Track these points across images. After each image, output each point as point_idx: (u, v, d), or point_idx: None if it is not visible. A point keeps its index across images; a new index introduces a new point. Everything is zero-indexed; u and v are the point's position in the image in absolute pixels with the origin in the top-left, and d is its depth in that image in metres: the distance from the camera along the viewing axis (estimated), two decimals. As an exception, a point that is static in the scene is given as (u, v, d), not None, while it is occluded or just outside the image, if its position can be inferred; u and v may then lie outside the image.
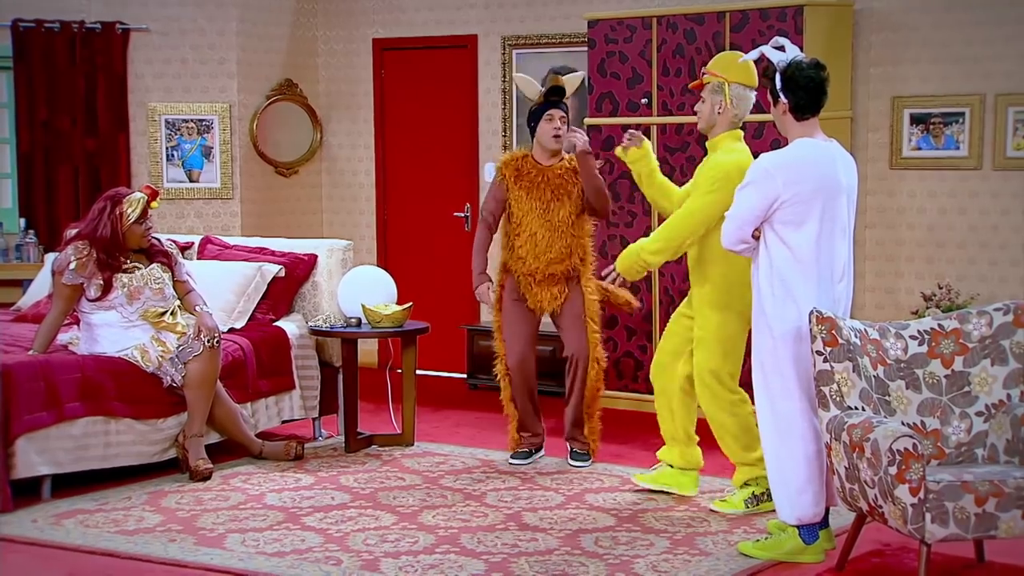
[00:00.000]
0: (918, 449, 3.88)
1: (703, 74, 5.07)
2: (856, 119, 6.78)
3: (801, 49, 6.15)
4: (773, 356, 4.39)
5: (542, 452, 5.91)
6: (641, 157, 5.28)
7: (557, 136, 5.62)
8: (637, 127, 6.79)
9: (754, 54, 4.66)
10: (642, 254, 5.00)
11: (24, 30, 7.58)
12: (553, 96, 5.66)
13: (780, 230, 4.33)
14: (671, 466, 5.25)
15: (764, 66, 4.48)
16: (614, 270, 5.10)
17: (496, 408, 6.95)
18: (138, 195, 5.52)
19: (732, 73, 4.96)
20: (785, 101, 4.36)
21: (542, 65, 7.50)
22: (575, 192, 5.65)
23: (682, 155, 6.65)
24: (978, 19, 6.47)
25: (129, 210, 5.47)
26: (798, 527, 4.42)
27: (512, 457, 5.83)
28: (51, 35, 7.60)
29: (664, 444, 5.30)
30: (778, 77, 4.35)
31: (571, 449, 5.79)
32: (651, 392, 6.82)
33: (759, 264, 4.43)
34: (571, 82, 5.74)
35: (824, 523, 4.49)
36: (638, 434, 6.37)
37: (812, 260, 4.32)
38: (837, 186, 4.36)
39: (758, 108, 6.31)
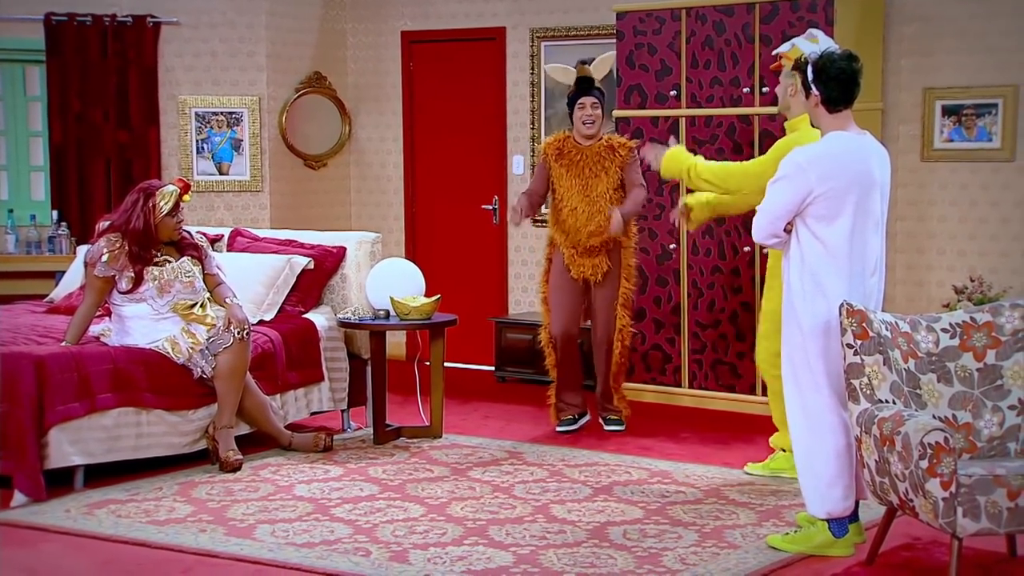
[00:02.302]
0: (949, 443, 3.85)
1: (779, 56, 5.25)
2: (887, 111, 6.73)
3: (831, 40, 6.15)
4: (803, 351, 4.37)
5: (587, 417, 6.30)
6: (701, 215, 5.49)
7: (588, 123, 6.04)
8: (666, 120, 6.77)
9: (786, 46, 4.64)
10: (694, 168, 5.23)
11: (56, 23, 7.64)
12: (582, 86, 6.09)
13: (812, 225, 4.31)
14: (784, 450, 5.35)
15: (797, 57, 4.45)
16: (656, 160, 5.32)
17: (524, 400, 6.96)
18: (171, 188, 5.55)
19: None
20: (817, 93, 4.32)
21: (571, 57, 7.48)
22: (612, 168, 6.05)
23: (711, 147, 6.62)
24: (1010, 9, 6.41)
25: (162, 203, 5.50)
26: (828, 521, 4.40)
27: (559, 426, 6.19)
28: (83, 28, 7.66)
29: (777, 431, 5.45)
30: (810, 69, 4.32)
31: (604, 417, 6.21)
32: (679, 384, 6.85)
33: (790, 258, 4.41)
34: (600, 66, 6.12)
35: (854, 517, 4.47)
36: (666, 427, 6.36)
37: (845, 255, 4.29)
38: (871, 180, 4.33)
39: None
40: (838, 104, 4.33)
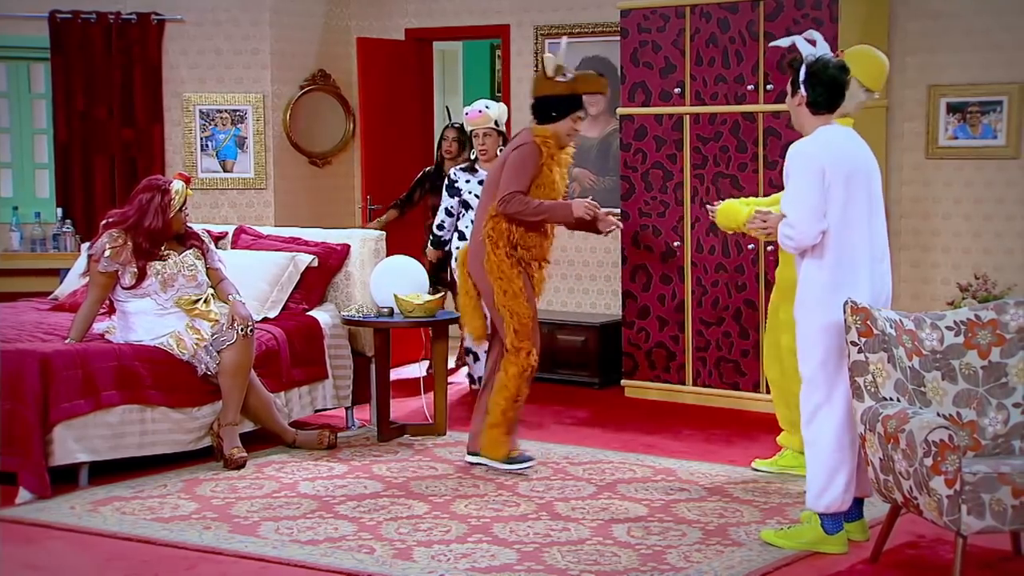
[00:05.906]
0: (954, 440, 3.85)
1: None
2: (892, 108, 6.73)
3: (836, 37, 6.16)
4: (822, 346, 4.33)
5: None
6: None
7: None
8: (670, 117, 6.77)
9: (785, 41, 4.64)
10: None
11: (61, 21, 7.65)
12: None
13: (828, 213, 4.30)
14: (790, 449, 5.39)
15: (792, 57, 4.48)
16: (713, 213, 5.12)
17: (528, 398, 6.95)
18: (180, 184, 5.58)
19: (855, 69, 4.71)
20: (804, 94, 4.36)
21: (574, 55, 7.48)
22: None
23: (715, 145, 6.62)
24: (1016, 6, 6.40)
25: (176, 200, 5.54)
26: (821, 517, 4.40)
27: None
28: (88, 26, 7.66)
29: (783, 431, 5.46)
30: (803, 69, 4.35)
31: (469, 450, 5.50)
32: (682, 382, 6.85)
33: (807, 254, 4.38)
34: (547, 63, 5.39)
35: (856, 515, 4.47)
36: (670, 424, 6.36)
37: (861, 240, 4.30)
38: (870, 166, 4.39)
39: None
40: (821, 109, 4.38)
